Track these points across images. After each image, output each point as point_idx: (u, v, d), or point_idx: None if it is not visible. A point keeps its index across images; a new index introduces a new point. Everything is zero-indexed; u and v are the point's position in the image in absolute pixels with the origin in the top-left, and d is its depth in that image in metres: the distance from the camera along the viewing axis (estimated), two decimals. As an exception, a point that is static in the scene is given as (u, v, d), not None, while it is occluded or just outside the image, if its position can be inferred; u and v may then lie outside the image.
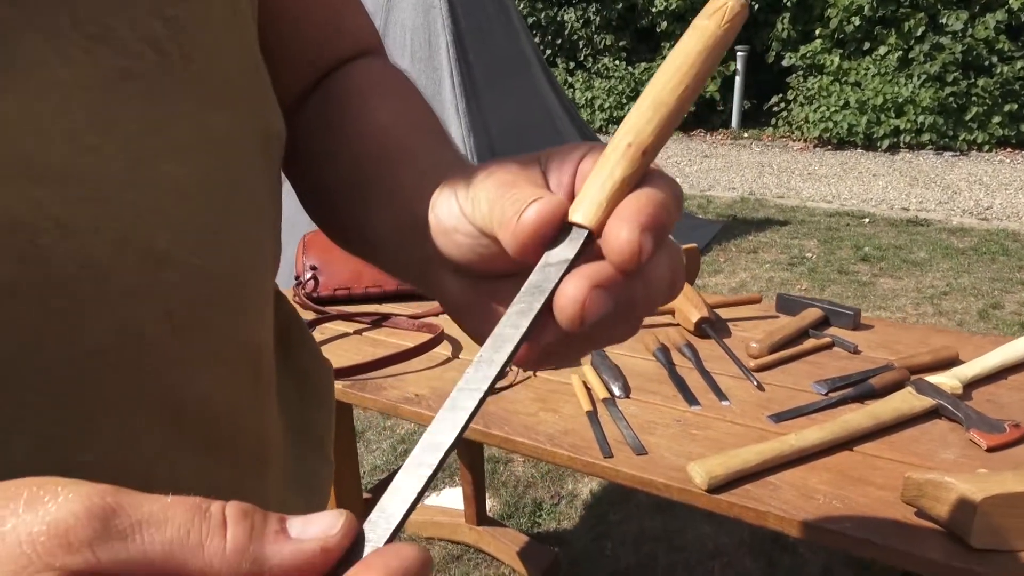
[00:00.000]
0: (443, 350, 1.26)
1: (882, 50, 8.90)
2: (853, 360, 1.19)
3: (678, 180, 0.31)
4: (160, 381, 0.31)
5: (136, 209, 0.29)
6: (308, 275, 1.49)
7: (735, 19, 0.30)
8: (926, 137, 8.28)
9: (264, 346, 0.39)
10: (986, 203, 5.99)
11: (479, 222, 0.31)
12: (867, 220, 5.54)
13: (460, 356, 1.25)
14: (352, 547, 0.22)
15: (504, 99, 3.92)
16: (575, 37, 11.08)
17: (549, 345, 0.30)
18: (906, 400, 0.99)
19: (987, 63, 8.30)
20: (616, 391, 1.10)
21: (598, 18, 10.92)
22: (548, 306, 0.28)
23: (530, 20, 10.75)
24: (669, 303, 1.33)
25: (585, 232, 0.29)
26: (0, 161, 0.26)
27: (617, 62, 10.83)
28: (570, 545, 2.06)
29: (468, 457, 1.94)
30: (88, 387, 0.28)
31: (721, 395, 1.08)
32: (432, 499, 2.25)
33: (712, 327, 1.27)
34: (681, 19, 10.35)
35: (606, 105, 10.46)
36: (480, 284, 0.35)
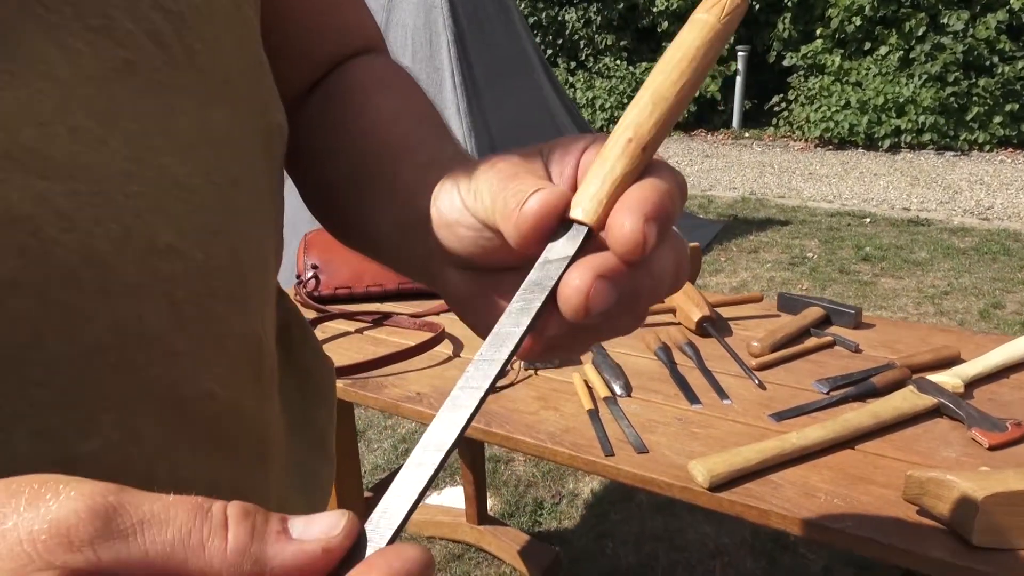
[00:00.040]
0: (444, 349, 1.26)
1: (883, 50, 8.89)
2: (854, 359, 1.19)
3: (680, 179, 0.30)
4: (162, 375, 0.31)
5: (138, 203, 0.29)
6: (309, 274, 1.49)
7: (735, 12, 0.30)
8: (927, 137, 8.27)
9: (266, 342, 0.39)
10: (987, 203, 5.98)
11: (481, 214, 0.31)
12: (868, 220, 5.54)
13: (461, 355, 1.25)
14: (354, 547, 0.22)
15: (505, 99, 3.92)
16: (576, 37, 11.08)
17: (553, 338, 0.30)
18: (908, 399, 0.99)
19: (988, 63, 8.30)
20: (617, 390, 1.10)
21: (599, 18, 10.92)
22: (552, 299, 0.28)
23: (531, 20, 10.74)
24: (671, 299, 1.33)
25: (585, 229, 0.28)
26: (0, 154, 0.25)
27: (618, 62, 10.83)
28: (571, 544, 2.06)
29: (469, 456, 1.94)
30: (89, 381, 0.28)
31: (722, 394, 1.08)
32: (433, 498, 2.25)
33: (713, 326, 1.27)
34: (682, 19, 10.30)
35: (607, 105, 10.45)
36: (483, 277, 0.35)
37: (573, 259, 0.28)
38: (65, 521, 0.19)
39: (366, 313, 1.41)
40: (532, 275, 0.29)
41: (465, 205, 0.32)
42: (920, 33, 8.56)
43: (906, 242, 4.91)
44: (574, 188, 0.30)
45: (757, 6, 9.87)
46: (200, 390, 0.32)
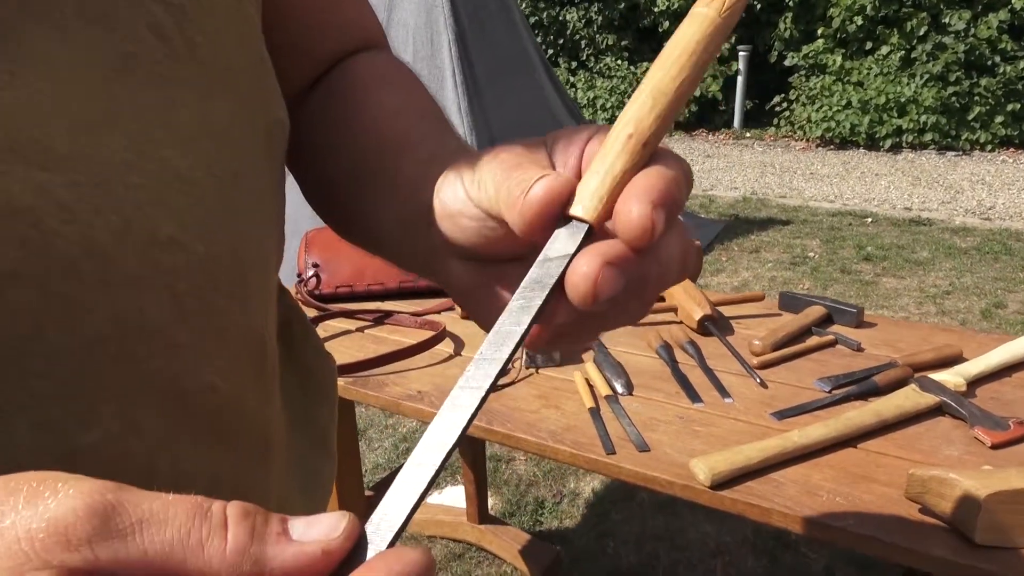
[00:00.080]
0: (445, 347, 1.26)
1: (884, 50, 8.89)
2: (856, 358, 1.18)
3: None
4: (163, 368, 0.31)
5: (138, 195, 0.29)
6: (310, 272, 1.49)
7: (735, 6, 0.29)
8: (929, 137, 8.27)
9: (268, 337, 0.39)
10: (989, 203, 5.98)
11: (485, 204, 0.31)
12: (869, 220, 5.53)
13: (462, 353, 1.24)
14: (354, 549, 0.22)
15: (506, 98, 3.92)
16: (577, 37, 11.07)
17: (561, 326, 0.30)
18: (910, 397, 0.99)
19: (990, 63, 8.29)
20: (619, 388, 1.09)
21: (600, 18, 10.91)
22: (559, 287, 0.28)
23: (532, 20, 10.74)
24: (672, 298, 1.33)
25: (585, 226, 0.28)
26: (1, 145, 0.25)
27: (619, 61, 10.83)
28: (572, 544, 2.06)
29: (470, 455, 1.94)
30: (90, 372, 0.28)
31: (724, 392, 1.08)
32: (434, 497, 2.25)
33: (715, 325, 1.27)
34: (683, 18, 10.32)
35: (608, 105, 10.45)
36: (486, 268, 0.35)
37: (573, 257, 0.28)
38: (63, 520, 0.19)
39: (367, 311, 1.40)
40: (532, 273, 0.28)
41: (468, 195, 0.32)
42: (922, 33, 8.55)
43: (908, 242, 4.90)
44: (578, 178, 0.30)
45: (758, 6, 9.86)
46: (201, 383, 0.32)
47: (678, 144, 9.36)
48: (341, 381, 1.14)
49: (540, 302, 0.27)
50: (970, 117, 8.22)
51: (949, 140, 8.32)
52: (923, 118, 8.23)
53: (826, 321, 1.32)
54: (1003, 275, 4.23)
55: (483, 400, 0.25)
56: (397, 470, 0.24)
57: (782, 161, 8.09)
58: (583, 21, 10.97)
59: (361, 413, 2.70)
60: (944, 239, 4.96)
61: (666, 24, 10.55)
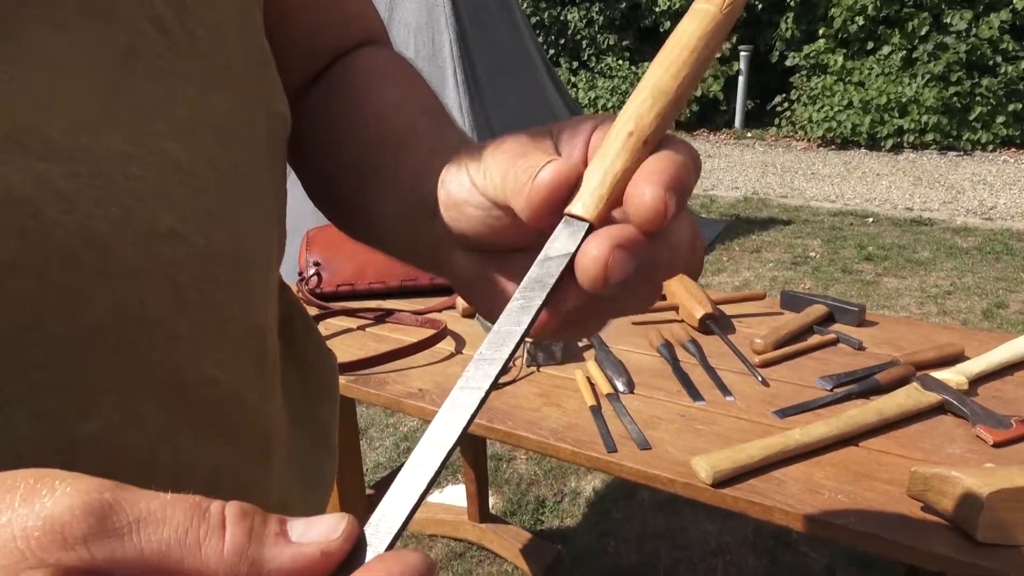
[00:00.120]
0: (446, 346, 1.26)
1: (886, 50, 8.88)
2: (858, 356, 1.18)
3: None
4: (163, 359, 0.31)
5: (138, 186, 0.29)
6: (311, 271, 1.49)
7: (736, 2, 0.29)
8: (930, 137, 8.26)
9: (269, 332, 0.39)
10: (990, 203, 5.97)
11: (491, 192, 0.31)
12: (871, 220, 5.53)
13: (463, 351, 1.24)
14: (353, 550, 0.22)
15: (507, 98, 3.92)
16: (578, 37, 11.07)
17: (570, 312, 0.29)
18: (911, 396, 0.99)
19: (991, 63, 8.28)
20: (620, 386, 1.09)
21: (601, 17, 10.91)
22: (568, 272, 0.28)
23: (533, 20, 10.74)
24: (673, 297, 1.33)
25: (586, 225, 0.28)
26: (0, 136, 0.25)
27: (620, 61, 10.83)
28: (573, 542, 2.06)
29: (471, 454, 1.94)
30: (89, 363, 0.28)
31: (725, 391, 1.07)
32: (435, 496, 2.25)
33: (716, 323, 1.27)
34: (684, 18, 10.32)
35: (609, 104, 10.45)
36: (490, 259, 0.35)
37: (574, 256, 0.28)
38: (60, 518, 0.19)
39: (368, 310, 1.40)
40: (532, 272, 0.28)
41: (474, 184, 0.32)
42: (923, 33, 8.54)
43: (909, 242, 4.90)
44: (584, 166, 0.30)
45: (759, 6, 9.85)
46: (202, 375, 0.32)
47: (679, 144, 9.34)
48: (342, 379, 1.14)
49: (540, 302, 0.27)
50: (971, 117, 8.21)
51: (950, 140, 8.31)
52: (924, 118, 8.22)
53: (828, 320, 1.32)
54: (1004, 275, 4.22)
55: (483, 401, 0.25)
56: (398, 469, 0.24)
57: (783, 161, 8.09)
58: (584, 21, 10.96)
59: (362, 412, 2.70)
60: (945, 239, 4.96)
61: (667, 24, 10.54)
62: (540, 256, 0.28)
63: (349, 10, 0.52)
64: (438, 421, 0.25)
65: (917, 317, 3.64)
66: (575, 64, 11.21)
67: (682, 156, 0.28)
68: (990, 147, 8.20)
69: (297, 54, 0.48)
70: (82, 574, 0.19)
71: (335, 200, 0.48)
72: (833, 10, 9.17)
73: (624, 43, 11.03)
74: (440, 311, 1.40)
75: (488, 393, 0.25)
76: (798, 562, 1.96)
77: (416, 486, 0.23)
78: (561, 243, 0.28)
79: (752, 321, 1.33)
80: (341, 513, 0.22)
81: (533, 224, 0.29)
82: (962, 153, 8.22)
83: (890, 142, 8.42)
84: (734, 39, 9.79)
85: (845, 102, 8.75)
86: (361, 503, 1.51)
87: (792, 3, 9.63)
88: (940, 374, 1.04)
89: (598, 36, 11.00)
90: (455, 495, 2.21)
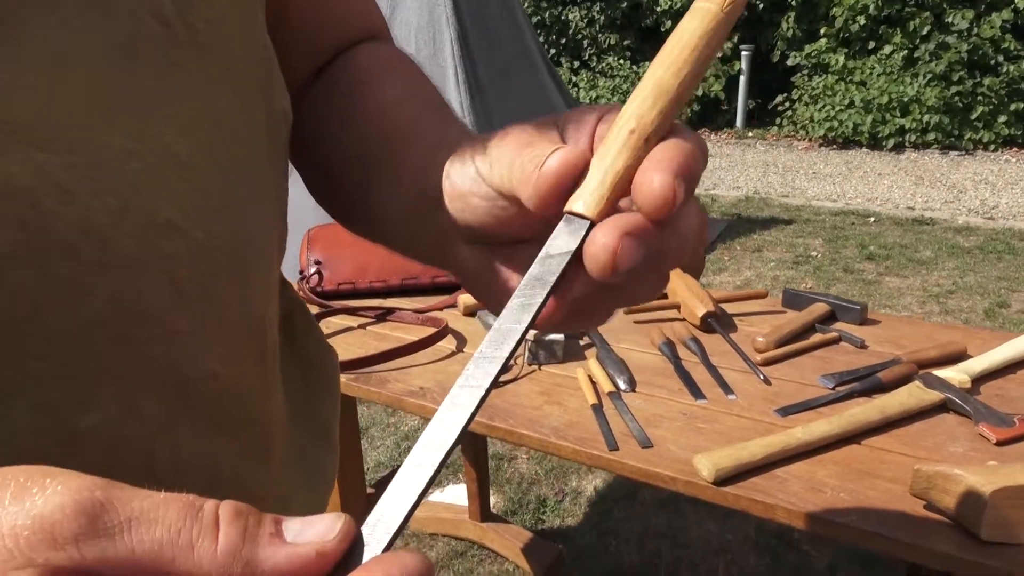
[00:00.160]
0: (447, 344, 1.25)
1: (887, 49, 8.87)
2: (860, 355, 1.18)
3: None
4: (162, 352, 0.30)
5: (137, 179, 0.29)
6: (312, 269, 1.49)
7: (737, 1, 0.29)
8: (931, 136, 8.25)
9: (270, 327, 0.39)
10: (992, 202, 5.97)
11: (496, 182, 0.31)
12: (872, 219, 5.52)
13: (464, 350, 1.24)
14: (350, 551, 0.21)
15: (508, 97, 3.92)
16: (579, 36, 11.07)
17: (578, 300, 0.29)
18: (914, 394, 0.99)
19: (993, 62, 8.27)
20: (621, 385, 1.09)
21: (602, 17, 10.91)
22: (576, 262, 0.28)
23: (534, 19, 10.74)
24: (675, 295, 1.32)
25: (587, 223, 0.28)
26: (0, 126, 0.25)
27: (621, 61, 10.83)
28: (574, 542, 2.06)
29: (472, 453, 1.94)
30: (89, 355, 0.28)
31: (727, 389, 1.07)
32: (436, 495, 2.25)
33: (718, 321, 1.26)
34: (686, 18, 10.32)
35: (610, 104, 10.44)
36: (495, 251, 0.34)
37: (575, 254, 0.27)
38: (49, 517, 0.18)
39: (369, 308, 1.40)
40: (533, 270, 0.28)
41: (480, 174, 0.32)
42: (925, 32, 8.53)
43: (910, 241, 4.89)
44: (591, 155, 0.30)
45: (761, 5, 9.85)
46: (201, 369, 0.32)
47: (680, 144, 9.34)
48: (343, 378, 1.14)
49: (541, 300, 0.27)
50: (973, 117, 8.20)
51: (952, 140, 8.30)
52: (926, 118, 8.21)
53: (830, 318, 1.31)
54: (1006, 274, 4.22)
55: (483, 399, 0.25)
56: (398, 468, 0.24)
57: (784, 160, 8.08)
58: (585, 20, 10.96)
59: (363, 411, 2.70)
60: (947, 238, 4.95)
61: (668, 23, 10.54)
62: (541, 254, 0.28)
63: (351, 6, 0.52)
64: (437, 420, 0.24)
65: (919, 316, 3.63)
66: (576, 64, 11.21)
67: (690, 144, 0.28)
68: (992, 147, 8.19)
69: (299, 50, 0.48)
70: (72, 574, 0.18)
71: (337, 195, 0.48)
72: (834, 9, 9.16)
73: (625, 43, 11.02)
74: (441, 309, 1.40)
75: (488, 391, 0.25)
76: (800, 561, 1.96)
77: (415, 485, 0.23)
78: (562, 241, 0.28)
79: (754, 319, 1.33)
80: (338, 513, 0.21)
81: (540, 213, 0.29)
82: (964, 153, 8.21)
83: (892, 141, 8.41)
84: (735, 38, 9.79)
85: (847, 101, 8.74)
86: (362, 502, 1.51)
87: (793, 2, 9.62)
88: (943, 372, 1.04)
89: (599, 36, 11.00)
90: (456, 494, 2.21)
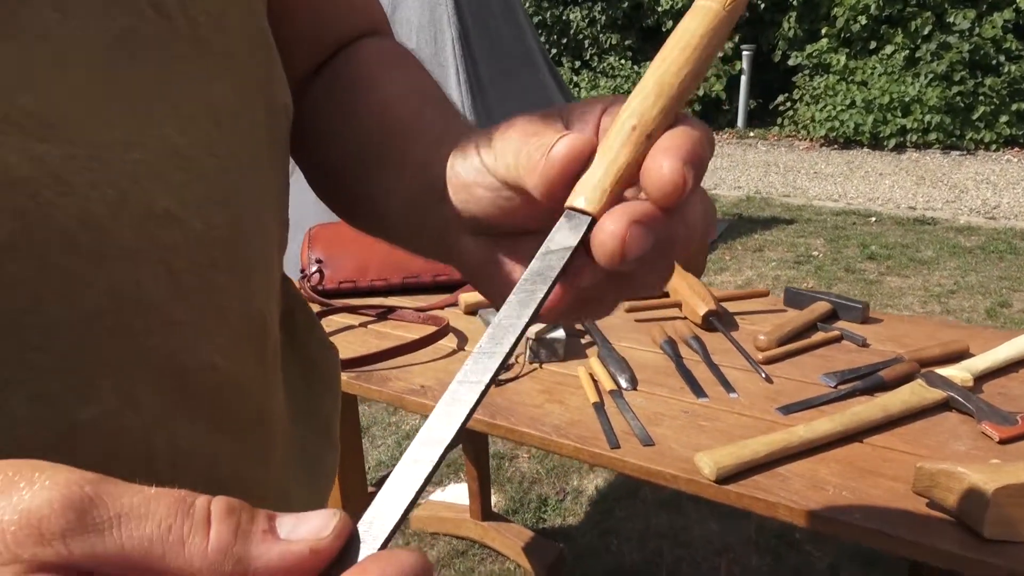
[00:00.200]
0: (449, 342, 1.25)
1: (889, 49, 8.86)
2: (862, 353, 1.18)
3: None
4: (160, 344, 0.30)
5: (136, 170, 0.29)
6: (313, 268, 1.49)
7: (739, 0, 0.29)
8: (933, 136, 8.24)
9: (270, 322, 0.39)
10: (993, 202, 5.96)
11: (502, 172, 0.31)
12: (873, 219, 5.52)
13: (465, 348, 1.24)
14: (346, 548, 0.21)
15: (510, 97, 3.91)
16: (580, 36, 11.07)
17: (585, 289, 0.29)
18: (916, 392, 0.98)
19: (994, 62, 8.26)
20: (623, 383, 1.09)
21: (603, 17, 10.90)
22: (583, 250, 0.28)
23: (536, 19, 10.74)
24: (676, 293, 1.32)
25: (588, 219, 0.28)
26: None
27: (623, 61, 10.82)
28: (575, 541, 2.05)
29: (473, 452, 1.94)
30: (88, 346, 0.28)
31: (729, 387, 1.07)
32: (437, 494, 2.25)
33: (719, 320, 1.26)
34: (687, 18, 10.32)
35: (611, 104, 10.43)
36: (498, 242, 0.34)
37: (575, 250, 0.27)
38: (37, 512, 0.18)
39: (370, 307, 1.40)
40: (533, 265, 0.28)
41: (484, 165, 0.32)
42: (926, 32, 8.52)
43: (912, 241, 4.89)
44: (596, 143, 0.30)
45: (762, 5, 9.84)
46: (200, 361, 0.32)
47: (681, 143, 9.33)
48: (344, 376, 1.13)
49: (541, 295, 0.27)
50: (974, 117, 8.19)
51: (953, 140, 8.29)
52: (927, 118, 8.20)
53: (831, 317, 1.31)
54: (1008, 274, 4.21)
55: (482, 395, 0.24)
56: (398, 466, 0.24)
57: (786, 160, 8.08)
58: (586, 20, 10.96)
59: (364, 410, 2.69)
60: (949, 238, 4.94)
61: (670, 23, 10.53)
62: (541, 250, 0.28)
63: (352, 1, 0.52)
64: (435, 416, 0.24)
65: (920, 316, 3.63)
66: (577, 64, 11.21)
67: (698, 132, 0.28)
68: (993, 146, 8.18)
69: (301, 44, 0.48)
70: (59, 570, 0.18)
71: (339, 190, 0.48)
72: (836, 9, 9.15)
73: (626, 43, 11.02)
74: (442, 308, 1.40)
75: (488, 388, 0.25)
76: (801, 561, 1.95)
77: (412, 482, 0.22)
78: (563, 236, 0.28)
79: (755, 318, 1.33)
80: (333, 509, 0.21)
81: (546, 201, 0.29)
82: (965, 152, 8.20)
83: (893, 141, 8.40)
84: (736, 38, 9.79)
85: (848, 101, 8.74)
86: (363, 501, 1.51)
87: (795, 2, 9.62)
88: (945, 371, 1.04)
89: (600, 35, 10.99)
90: (457, 493, 2.20)
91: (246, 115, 0.36)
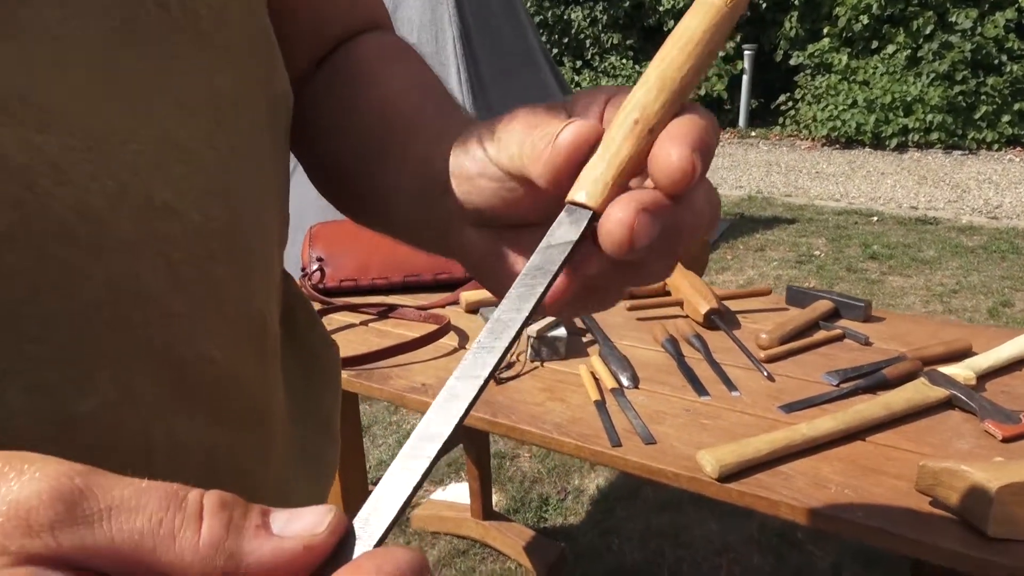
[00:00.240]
0: (450, 341, 1.25)
1: (890, 49, 8.86)
2: (864, 352, 1.17)
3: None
4: (160, 335, 0.30)
5: (135, 161, 0.29)
6: (314, 266, 1.48)
7: None
8: (935, 136, 8.23)
9: (269, 315, 0.39)
10: (995, 202, 5.95)
11: (505, 162, 0.31)
12: (875, 218, 5.51)
13: (467, 347, 1.24)
14: (341, 545, 0.20)
15: (511, 96, 3.91)
16: (582, 36, 11.07)
17: (591, 277, 0.29)
18: (919, 390, 0.98)
19: (996, 62, 8.25)
20: (624, 381, 1.09)
21: (605, 17, 10.91)
22: (589, 239, 0.27)
23: (537, 19, 10.74)
24: (678, 292, 1.32)
25: (589, 213, 0.28)
26: None
27: (624, 61, 10.83)
28: (576, 540, 2.05)
29: (474, 452, 1.93)
30: (86, 337, 0.28)
31: (731, 385, 1.07)
32: (438, 494, 2.25)
33: (721, 318, 1.26)
34: (689, 16, 10.33)
35: (613, 104, 10.43)
36: (501, 235, 0.34)
37: (576, 245, 0.27)
38: (25, 503, 0.18)
39: (371, 305, 1.40)
40: (534, 259, 0.28)
41: (488, 156, 0.32)
42: (928, 32, 8.52)
43: (914, 240, 4.88)
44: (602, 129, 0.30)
45: (764, 5, 9.84)
46: (198, 353, 0.32)
47: (683, 143, 9.33)
48: (345, 374, 1.13)
49: (542, 289, 0.27)
50: (976, 116, 8.19)
51: (955, 139, 8.29)
52: (929, 117, 8.20)
53: (833, 315, 1.31)
54: (1010, 274, 4.21)
55: (481, 390, 0.24)
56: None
57: (787, 160, 8.07)
58: (588, 20, 10.96)
59: (366, 410, 2.69)
60: (951, 238, 4.94)
61: (671, 23, 10.53)
62: (542, 244, 0.28)
63: None
64: (433, 411, 0.23)
65: (923, 315, 3.62)
66: (579, 63, 11.21)
67: (705, 120, 0.28)
68: (995, 146, 8.17)
69: (302, 39, 0.48)
70: (47, 562, 0.18)
71: (341, 186, 0.48)
72: (838, 9, 9.15)
73: (628, 42, 11.02)
74: (443, 307, 1.39)
75: (486, 382, 0.24)
76: (803, 561, 1.95)
77: (410, 478, 0.22)
78: (564, 231, 0.28)
79: (757, 317, 1.32)
80: (328, 505, 0.21)
81: (552, 189, 0.29)
82: (967, 152, 8.19)
83: (895, 141, 8.39)
84: (738, 38, 9.78)
85: (850, 101, 8.73)
86: (363, 500, 1.50)
87: (796, 2, 9.61)
88: (948, 369, 1.03)
89: (602, 35, 11.00)
90: (458, 492, 2.20)
91: (246, 109, 0.36)
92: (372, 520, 0.21)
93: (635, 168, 0.28)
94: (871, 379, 1.05)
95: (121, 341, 0.29)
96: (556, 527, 2.12)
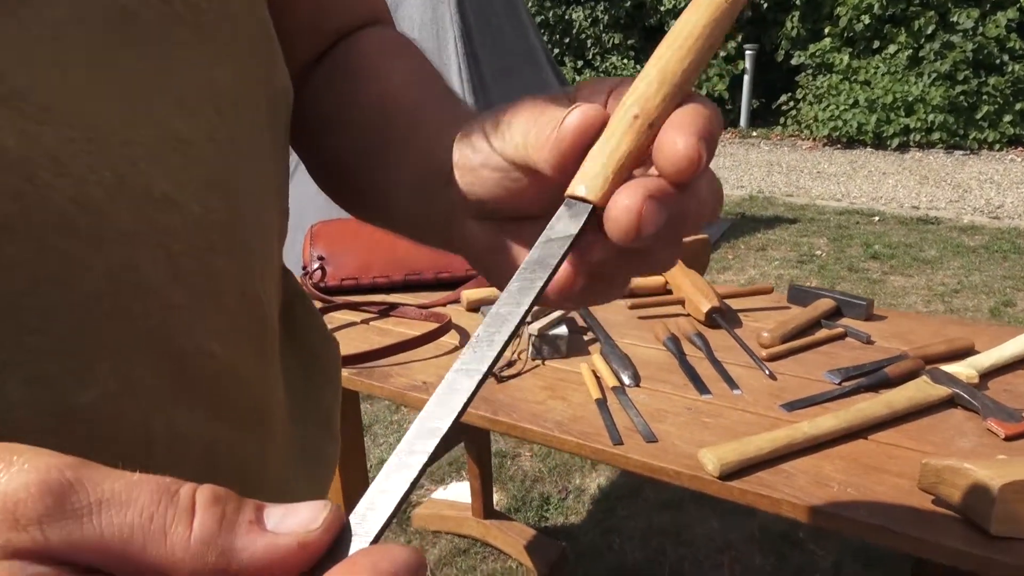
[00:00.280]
0: (451, 339, 1.25)
1: (892, 48, 8.85)
2: (866, 350, 1.17)
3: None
4: (158, 327, 0.30)
5: (134, 153, 0.29)
6: (315, 265, 1.48)
7: None
8: (936, 136, 8.23)
9: (269, 310, 0.39)
10: (997, 202, 5.95)
11: (510, 151, 0.31)
12: (877, 218, 5.51)
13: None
14: (337, 542, 0.20)
15: (512, 96, 3.84)
16: (583, 36, 11.07)
17: (596, 264, 0.29)
18: (921, 389, 0.98)
19: (998, 61, 8.25)
20: (626, 379, 1.08)
21: (606, 17, 10.91)
22: (593, 225, 0.27)
23: (538, 19, 10.75)
24: (679, 290, 1.32)
25: (589, 207, 0.27)
26: None
27: (625, 60, 10.83)
28: (577, 539, 2.05)
29: (475, 451, 1.93)
30: (86, 328, 0.28)
31: (732, 384, 1.06)
32: (439, 493, 2.25)
33: (723, 317, 1.25)
34: (689, 17, 10.33)
35: (614, 103, 10.45)
36: (503, 227, 0.34)
37: (576, 238, 0.27)
38: (12, 496, 0.17)
39: (372, 304, 1.40)
40: (533, 253, 0.27)
41: (491, 146, 0.32)
42: (929, 31, 8.52)
43: (915, 240, 4.88)
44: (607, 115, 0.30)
45: (765, 5, 9.83)
46: (198, 346, 0.32)
47: (684, 143, 9.34)
48: (346, 372, 1.13)
49: (541, 283, 0.26)
50: (978, 116, 8.18)
51: (957, 139, 8.28)
52: (931, 117, 8.19)
53: (835, 314, 1.30)
54: (1012, 273, 4.20)
55: (479, 385, 0.24)
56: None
57: (789, 160, 8.07)
58: (589, 20, 10.97)
59: (366, 409, 2.69)
60: (952, 238, 4.93)
61: (672, 23, 10.47)
62: (541, 238, 0.28)
63: None
64: (431, 406, 0.23)
65: (925, 314, 3.62)
66: (580, 63, 11.22)
67: (708, 109, 0.28)
68: (997, 146, 8.17)
69: (302, 33, 0.48)
70: (34, 556, 0.17)
71: (342, 181, 0.48)
72: (839, 9, 9.15)
73: (629, 42, 11.02)
74: (444, 305, 1.39)
75: (485, 377, 0.24)
76: (805, 559, 1.95)
77: (407, 474, 0.22)
78: (564, 224, 0.28)
79: (759, 315, 1.32)
80: (324, 501, 0.20)
81: (557, 176, 0.29)
82: (969, 152, 8.18)
83: (896, 141, 8.39)
84: (739, 38, 9.78)
85: (851, 101, 8.73)
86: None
87: (798, 2, 9.61)
88: (950, 368, 1.03)
89: (603, 35, 11.00)
90: (459, 491, 2.20)
91: (246, 102, 0.36)
92: (369, 516, 0.21)
93: (635, 162, 0.28)
94: (873, 377, 1.04)
95: (121, 332, 0.29)
96: (557, 526, 2.12)
